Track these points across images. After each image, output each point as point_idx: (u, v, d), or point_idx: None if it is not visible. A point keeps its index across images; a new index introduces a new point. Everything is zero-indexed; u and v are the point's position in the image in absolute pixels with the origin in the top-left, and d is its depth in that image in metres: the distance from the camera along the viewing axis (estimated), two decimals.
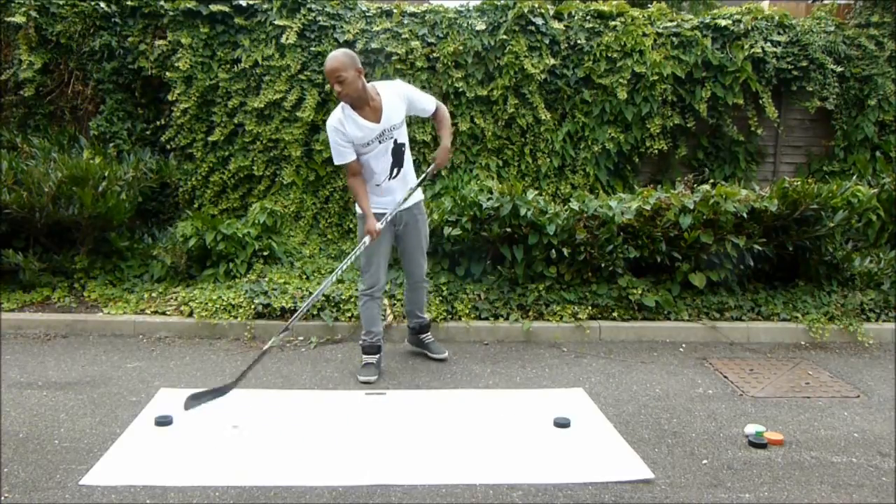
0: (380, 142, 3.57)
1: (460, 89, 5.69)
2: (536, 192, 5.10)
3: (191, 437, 3.03)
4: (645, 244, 4.68)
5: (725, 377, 3.92)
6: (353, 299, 4.61)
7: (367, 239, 3.60)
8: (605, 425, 3.21)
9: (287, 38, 5.51)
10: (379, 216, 3.63)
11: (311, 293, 4.63)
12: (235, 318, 4.50)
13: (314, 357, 4.15)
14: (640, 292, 4.65)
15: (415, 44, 5.62)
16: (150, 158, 5.57)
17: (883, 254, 5.24)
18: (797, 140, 6.35)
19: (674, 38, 5.86)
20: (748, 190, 4.84)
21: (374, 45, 5.58)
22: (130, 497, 2.53)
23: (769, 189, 4.83)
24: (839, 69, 5.96)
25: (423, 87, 5.61)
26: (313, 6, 5.68)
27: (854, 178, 5.29)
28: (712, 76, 5.86)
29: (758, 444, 3.02)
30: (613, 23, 5.81)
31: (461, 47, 5.64)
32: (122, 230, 5.31)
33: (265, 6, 5.64)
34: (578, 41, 5.77)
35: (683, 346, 4.47)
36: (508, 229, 4.65)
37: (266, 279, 4.85)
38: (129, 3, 5.64)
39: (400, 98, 3.61)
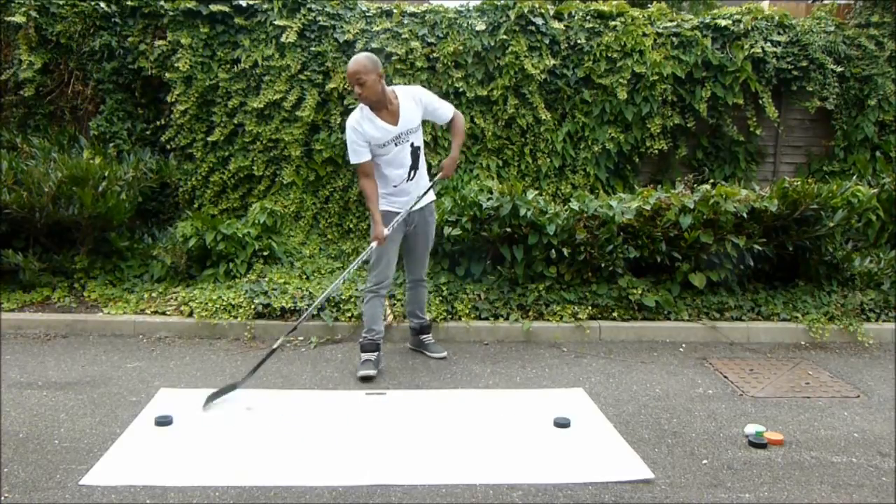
0: (396, 144, 3.68)
1: (460, 89, 5.69)
2: (536, 192, 5.11)
3: (191, 437, 3.04)
4: (645, 244, 4.68)
5: (725, 377, 3.92)
6: (353, 299, 4.61)
7: (374, 244, 3.70)
8: (605, 425, 3.21)
9: (287, 38, 5.51)
10: (394, 215, 3.75)
11: (311, 293, 4.63)
12: (235, 318, 4.50)
13: (314, 357, 4.15)
14: (640, 292, 4.65)
15: (415, 44, 5.62)
16: (150, 158, 5.57)
17: (883, 254, 5.24)
18: (797, 140, 6.34)
19: (674, 38, 5.86)
20: (748, 190, 4.84)
21: (374, 45, 5.58)
22: (130, 497, 2.53)
23: (769, 189, 4.83)
24: (839, 69, 5.96)
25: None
26: (313, 6, 5.68)
27: (854, 178, 5.29)
28: (712, 76, 5.86)
29: (758, 444, 3.02)
30: (613, 23, 5.81)
31: (461, 47, 5.64)
32: (122, 230, 5.31)
33: (265, 6, 5.64)
34: (578, 41, 5.77)
35: (683, 346, 4.47)
36: (508, 229, 4.65)
37: (266, 279, 4.85)
38: (129, 3, 5.63)
39: (417, 103, 3.73)
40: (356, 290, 4.71)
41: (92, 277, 5.04)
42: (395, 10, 5.73)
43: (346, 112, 5.67)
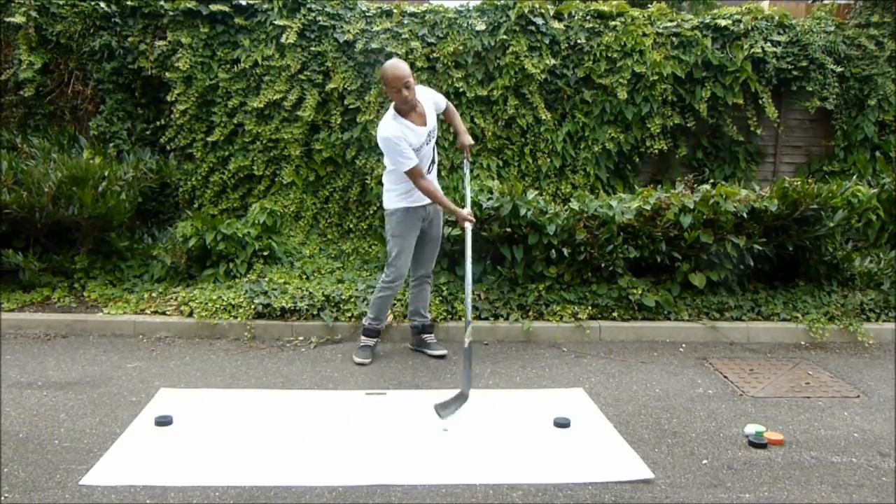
0: (427, 143, 3.82)
1: (460, 89, 5.69)
2: (536, 192, 5.11)
3: (191, 437, 3.04)
4: (645, 244, 4.68)
5: (725, 377, 3.92)
6: (353, 299, 4.61)
7: (468, 225, 3.83)
8: (605, 425, 3.21)
9: (287, 38, 5.51)
10: (418, 209, 3.88)
11: (311, 293, 4.63)
12: (235, 318, 4.50)
13: (314, 357, 4.15)
14: (640, 292, 4.65)
15: (415, 44, 5.62)
16: (150, 158, 5.57)
17: (883, 254, 5.24)
18: (797, 140, 6.34)
19: (674, 38, 5.86)
20: (748, 190, 4.84)
21: (374, 45, 5.58)
22: (130, 497, 2.53)
23: (769, 189, 4.83)
24: (839, 69, 5.96)
25: None
26: (313, 6, 5.68)
27: (854, 178, 5.28)
28: (712, 76, 5.86)
29: (758, 444, 3.02)
30: (613, 23, 5.80)
31: (461, 47, 5.64)
32: (122, 230, 5.31)
33: (265, 6, 5.64)
34: (578, 41, 5.77)
35: (683, 346, 4.47)
36: (508, 229, 4.65)
37: (266, 279, 4.85)
38: (129, 3, 5.63)
39: (431, 101, 3.90)
40: (356, 290, 4.71)
41: (92, 277, 5.04)
42: (395, 10, 5.73)
43: (347, 112, 5.68)
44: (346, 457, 2.86)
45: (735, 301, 4.74)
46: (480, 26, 5.63)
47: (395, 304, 4.63)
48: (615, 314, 4.63)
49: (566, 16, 5.87)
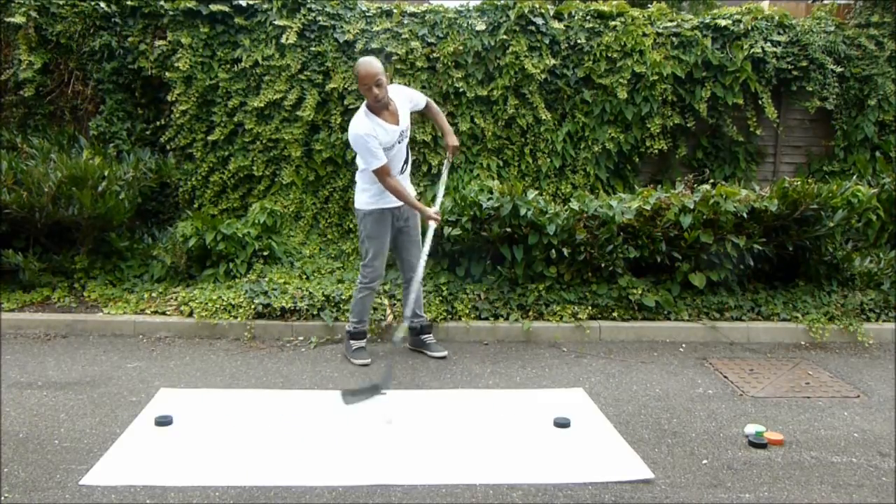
0: (399, 142, 3.81)
1: (460, 89, 5.69)
2: (536, 192, 5.11)
3: (191, 437, 3.03)
4: (645, 244, 4.68)
5: (725, 377, 3.92)
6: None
7: (432, 224, 3.81)
8: (605, 425, 3.21)
9: (287, 38, 5.51)
10: (392, 209, 3.89)
11: (310, 293, 4.63)
12: (235, 318, 4.50)
13: (314, 357, 4.15)
14: (640, 292, 4.65)
15: (415, 44, 5.62)
16: (150, 158, 5.57)
17: (883, 254, 5.24)
18: (797, 140, 6.34)
19: (674, 38, 5.86)
20: (748, 190, 4.84)
21: (374, 45, 5.58)
22: (130, 497, 2.53)
23: (769, 189, 4.83)
24: (839, 69, 5.96)
25: (422, 88, 5.61)
26: (313, 6, 5.68)
27: (854, 178, 5.29)
28: (712, 76, 5.86)
29: (758, 444, 3.02)
30: (613, 23, 5.80)
31: (461, 47, 5.64)
32: (121, 230, 5.31)
33: (265, 6, 5.64)
34: (578, 41, 5.77)
35: (683, 346, 4.47)
36: (508, 229, 4.65)
37: (266, 279, 4.85)
38: (129, 3, 5.63)
39: (405, 99, 3.88)
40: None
41: (92, 277, 5.04)
42: (395, 10, 5.73)
43: (347, 112, 5.67)
44: (346, 457, 2.86)
45: (735, 301, 4.74)
46: (480, 26, 5.63)
47: (394, 304, 4.63)
48: (615, 314, 4.63)
49: (566, 16, 5.88)
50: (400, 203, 3.87)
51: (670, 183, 5.70)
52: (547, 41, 5.72)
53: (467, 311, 4.60)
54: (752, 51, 5.76)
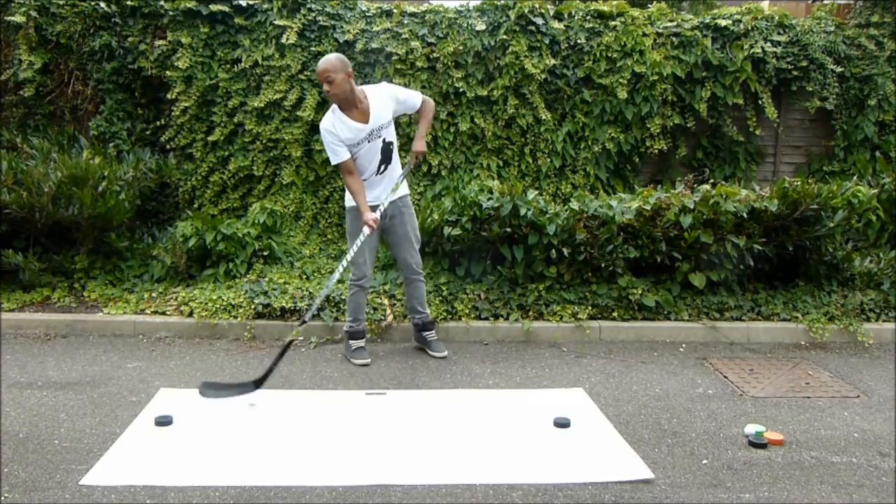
0: (368, 141, 3.79)
1: (460, 89, 5.69)
2: (536, 192, 5.10)
3: (191, 437, 3.03)
4: (645, 244, 4.68)
5: (725, 377, 3.92)
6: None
7: (365, 230, 3.76)
8: (605, 425, 3.21)
9: (287, 38, 5.51)
10: (373, 208, 3.85)
11: (310, 293, 4.64)
12: (235, 318, 4.50)
13: (314, 357, 4.15)
14: (640, 292, 4.65)
15: (415, 44, 5.62)
16: (150, 158, 5.57)
17: (883, 254, 5.24)
18: (797, 140, 6.35)
19: (674, 38, 5.86)
20: (748, 190, 4.84)
21: (374, 45, 5.58)
22: (130, 497, 2.53)
23: (769, 189, 4.83)
24: (839, 69, 5.96)
25: (422, 88, 5.62)
26: (313, 6, 5.68)
27: (854, 178, 5.29)
28: (712, 76, 5.86)
29: (758, 444, 3.02)
30: (613, 23, 5.81)
31: (461, 47, 5.64)
32: (121, 230, 5.31)
33: (265, 6, 5.64)
34: (578, 41, 5.77)
35: (683, 346, 4.47)
36: (508, 229, 4.65)
37: (266, 279, 4.85)
38: (129, 3, 5.64)
39: (388, 99, 3.83)
40: None
41: (92, 277, 5.04)
42: (395, 10, 5.73)
43: None
44: (346, 457, 2.86)
45: (735, 301, 4.74)
46: (480, 26, 5.63)
47: (395, 304, 4.63)
48: (615, 314, 4.63)
49: (566, 16, 5.88)
50: (380, 201, 3.87)
51: (670, 183, 5.70)
52: (547, 41, 5.72)
53: (467, 311, 4.60)
54: (752, 51, 5.76)
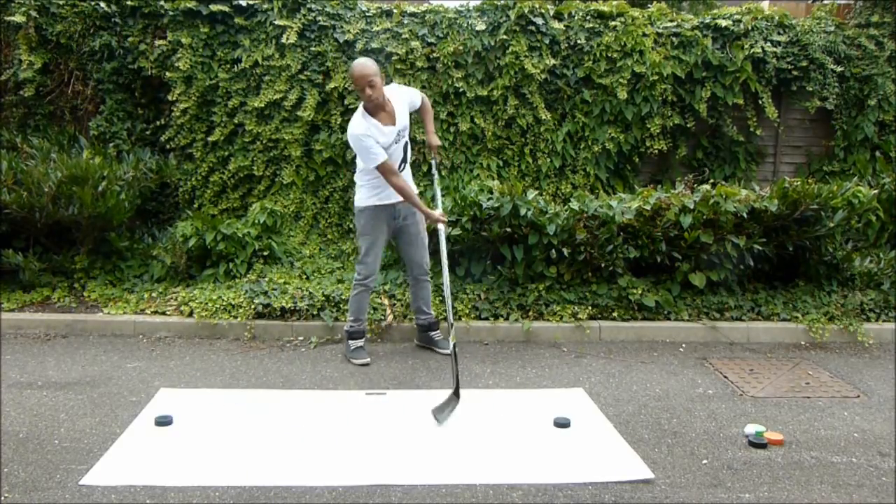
0: (396, 142, 3.83)
1: (460, 89, 5.69)
2: (536, 192, 5.11)
3: (191, 437, 3.03)
4: (645, 244, 4.68)
5: (725, 377, 3.92)
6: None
7: (441, 226, 3.89)
8: (605, 425, 3.21)
9: (287, 38, 5.51)
10: (387, 207, 3.91)
11: (310, 293, 4.63)
12: (235, 318, 4.50)
13: (314, 357, 4.15)
14: (640, 292, 4.64)
15: (415, 44, 5.62)
16: (150, 158, 5.57)
17: (883, 254, 5.24)
18: (797, 140, 6.35)
19: (674, 38, 5.86)
20: (748, 190, 4.84)
21: (374, 45, 5.58)
22: (130, 497, 2.53)
23: (769, 189, 4.83)
24: (839, 69, 5.96)
25: (422, 87, 5.62)
26: (313, 6, 5.68)
27: (854, 178, 5.29)
28: (712, 76, 5.86)
29: (758, 444, 3.02)
30: (613, 23, 5.81)
31: (461, 47, 5.64)
32: (122, 230, 5.31)
33: (265, 6, 5.64)
34: (578, 41, 5.77)
35: (683, 346, 4.47)
36: (508, 229, 4.65)
37: (266, 279, 4.85)
38: (129, 3, 5.63)
39: (403, 100, 3.91)
40: None
41: (92, 277, 5.04)
42: (395, 10, 5.73)
43: (347, 112, 5.67)
44: (346, 457, 2.86)
45: (735, 301, 4.74)
46: (480, 26, 5.63)
47: (395, 304, 4.63)
48: (615, 314, 4.63)
49: (566, 16, 5.88)
50: (396, 200, 3.89)
51: (670, 183, 5.70)
52: (547, 41, 5.72)
53: (467, 311, 4.60)
54: (752, 51, 5.76)
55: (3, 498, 2.51)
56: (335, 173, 5.84)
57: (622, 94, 5.70)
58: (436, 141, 4.15)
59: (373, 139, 3.68)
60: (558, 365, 4.07)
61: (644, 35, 5.78)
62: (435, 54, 5.67)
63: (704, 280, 4.67)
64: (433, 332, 4.24)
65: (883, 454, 2.99)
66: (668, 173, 6.12)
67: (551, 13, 5.82)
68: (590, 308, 4.63)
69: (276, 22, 5.58)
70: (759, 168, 6.25)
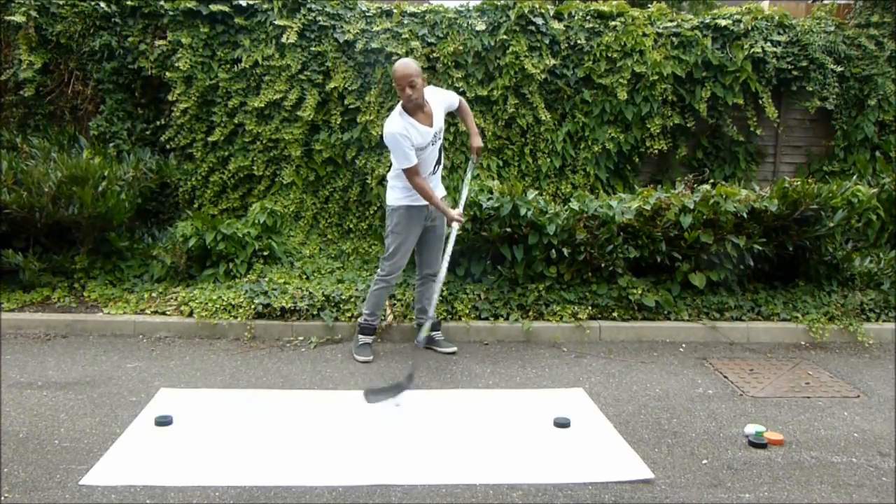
0: (433, 143, 3.86)
1: (460, 89, 5.68)
2: (536, 192, 5.10)
3: (190, 437, 3.04)
4: (645, 244, 4.68)
5: (725, 377, 3.92)
6: (353, 299, 4.61)
7: (455, 226, 3.87)
8: (605, 425, 3.21)
9: (287, 38, 5.51)
10: (421, 208, 3.93)
11: (310, 293, 4.63)
12: (235, 318, 4.50)
13: (314, 357, 4.15)
14: (640, 292, 4.65)
15: (415, 44, 5.62)
16: (150, 158, 5.57)
17: (883, 254, 5.24)
18: (797, 140, 6.34)
19: (674, 38, 5.86)
20: (748, 190, 4.84)
21: (374, 45, 5.58)
22: (130, 497, 2.53)
23: (769, 189, 4.83)
24: (839, 69, 5.96)
25: None
26: (313, 6, 5.68)
27: (854, 178, 5.28)
28: (712, 76, 5.86)
29: (758, 444, 3.02)
30: (613, 23, 5.80)
31: (461, 47, 5.64)
32: (122, 230, 5.31)
33: (265, 6, 5.64)
34: (578, 41, 5.77)
35: (683, 346, 4.47)
36: (508, 229, 4.65)
37: (266, 279, 4.85)
38: (129, 3, 5.63)
39: (441, 102, 3.94)
40: (356, 290, 4.71)
41: (92, 277, 5.04)
42: (395, 10, 5.73)
43: (347, 112, 5.68)
44: (346, 457, 2.86)
45: (735, 301, 4.74)
46: (480, 26, 5.63)
47: (394, 304, 4.63)
48: (615, 314, 4.63)
49: (566, 16, 5.88)
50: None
51: (670, 183, 5.70)
52: (547, 41, 5.72)
53: (467, 311, 4.60)
54: (752, 51, 5.76)
55: (3, 498, 2.51)
56: (335, 173, 5.84)
57: (622, 94, 5.70)
58: (478, 142, 4.13)
59: (408, 140, 3.70)
60: (558, 365, 4.07)
61: (644, 35, 5.78)
62: (435, 54, 5.67)
63: (704, 280, 4.67)
64: (434, 333, 4.24)
65: (883, 454, 2.99)
66: (668, 173, 6.12)
67: (551, 13, 5.82)
68: (590, 308, 4.63)
69: (276, 22, 5.58)
70: (759, 168, 6.25)
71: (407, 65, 3.70)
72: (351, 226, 5.88)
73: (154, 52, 5.66)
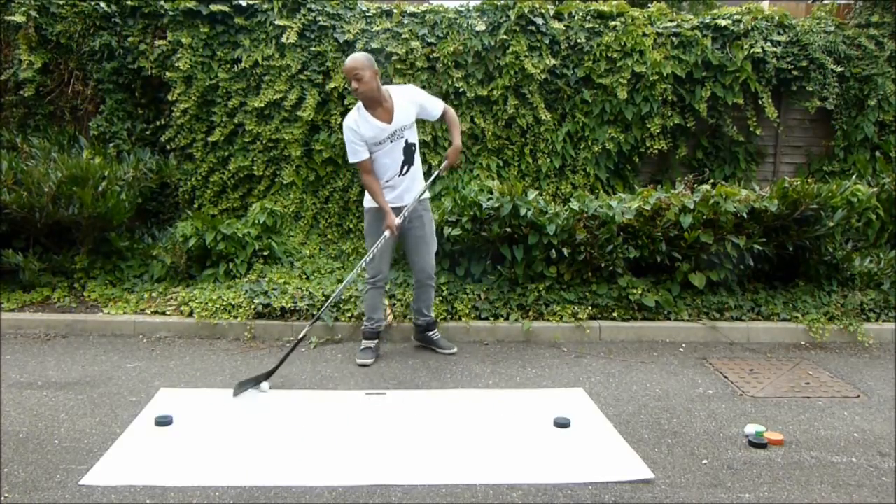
0: (391, 141, 3.82)
1: (460, 89, 5.69)
2: (536, 192, 5.10)
3: (191, 437, 3.04)
4: (645, 244, 4.68)
5: (725, 377, 3.92)
6: (353, 299, 4.62)
7: (386, 233, 3.83)
8: (605, 425, 3.21)
9: (287, 38, 5.51)
10: (394, 211, 3.88)
11: (310, 293, 4.63)
12: (235, 318, 4.50)
13: (314, 357, 4.15)
14: (640, 292, 4.64)
15: (415, 44, 5.62)
16: (150, 158, 5.57)
17: (883, 254, 5.24)
18: (797, 140, 6.35)
19: (674, 38, 5.86)
20: (748, 190, 4.84)
21: (374, 45, 5.58)
22: (130, 497, 2.53)
23: (769, 189, 4.83)
24: (839, 69, 5.96)
25: (422, 87, 5.61)
26: (313, 6, 5.68)
27: (854, 177, 5.29)
28: (712, 76, 5.86)
29: (758, 444, 3.02)
30: (613, 23, 5.81)
31: (461, 47, 5.64)
32: (122, 230, 5.31)
33: (265, 6, 5.64)
34: (578, 41, 5.77)
35: (683, 346, 4.47)
36: (508, 229, 4.65)
37: (266, 279, 4.85)
38: (129, 3, 5.64)
39: (411, 102, 3.88)
40: (356, 290, 4.71)
41: (92, 277, 5.04)
42: (395, 10, 5.73)
43: (347, 112, 5.66)
44: (346, 457, 2.86)
45: (735, 301, 4.74)
46: (480, 26, 5.63)
47: (394, 304, 4.63)
48: (615, 314, 4.63)
49: (566, 16, 5.88)
50: (403, 203, 3.90)
51: (670, 183, 5.70)
52: (547, 41, 5.72)
53: (467, 311, 4.60)
54: (752, 51, 5.76)
55: (3, 498, 2.51)
56: (335, 173, 5.84)
57: (622, 94, 5.70)
58: (453, 157, 3.98)
59: (358, 134, 3.74)
60: (558, 365, 4.07)
61: (644, 35, 5.78)
62: (435, 54, 5.67)
63: (704, 280, 4.67)
64: (431, 332, 4.24)
65: (883, 454, 2.99)
66: (668, 173, 6.12)
67: (551, 13, 5.82)
68: (590, 308, 4.63)
69: (276, 22, 5.58)
70: (759, 168, 6.26)
71: (353, 58, 3.70)
72: (351, 226, 5.88)
73: (154, 52, 5.66)
